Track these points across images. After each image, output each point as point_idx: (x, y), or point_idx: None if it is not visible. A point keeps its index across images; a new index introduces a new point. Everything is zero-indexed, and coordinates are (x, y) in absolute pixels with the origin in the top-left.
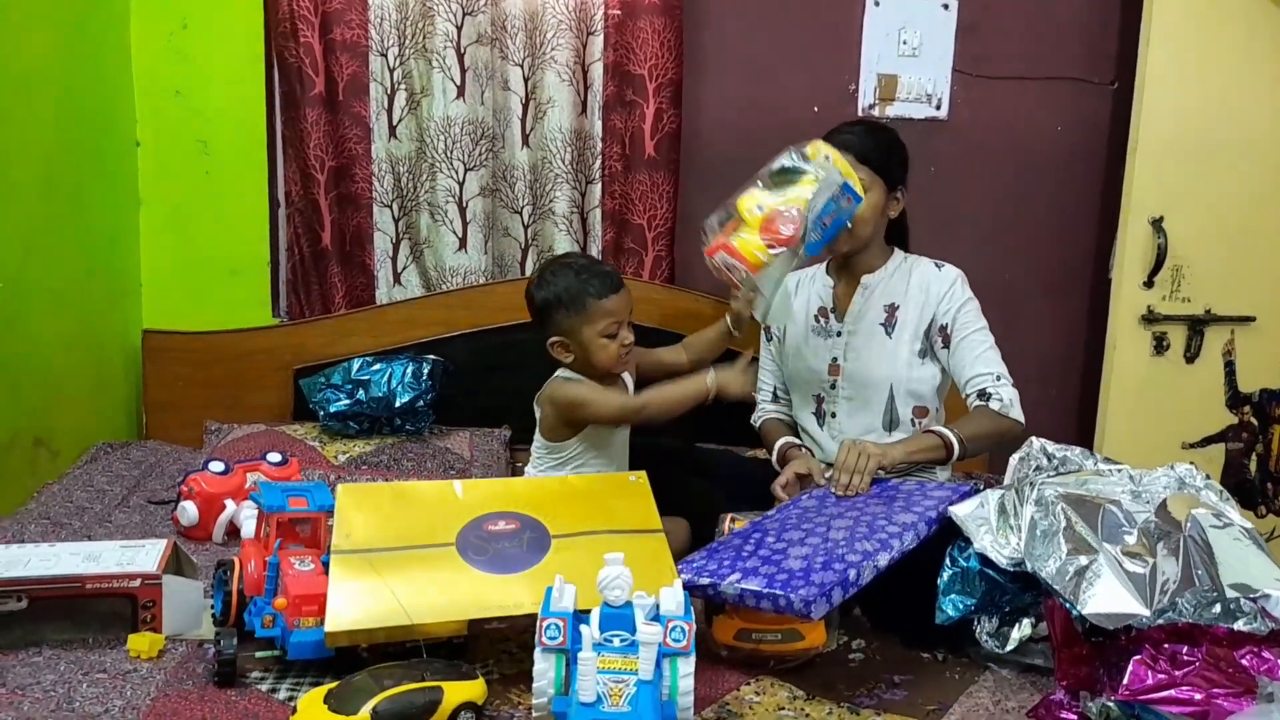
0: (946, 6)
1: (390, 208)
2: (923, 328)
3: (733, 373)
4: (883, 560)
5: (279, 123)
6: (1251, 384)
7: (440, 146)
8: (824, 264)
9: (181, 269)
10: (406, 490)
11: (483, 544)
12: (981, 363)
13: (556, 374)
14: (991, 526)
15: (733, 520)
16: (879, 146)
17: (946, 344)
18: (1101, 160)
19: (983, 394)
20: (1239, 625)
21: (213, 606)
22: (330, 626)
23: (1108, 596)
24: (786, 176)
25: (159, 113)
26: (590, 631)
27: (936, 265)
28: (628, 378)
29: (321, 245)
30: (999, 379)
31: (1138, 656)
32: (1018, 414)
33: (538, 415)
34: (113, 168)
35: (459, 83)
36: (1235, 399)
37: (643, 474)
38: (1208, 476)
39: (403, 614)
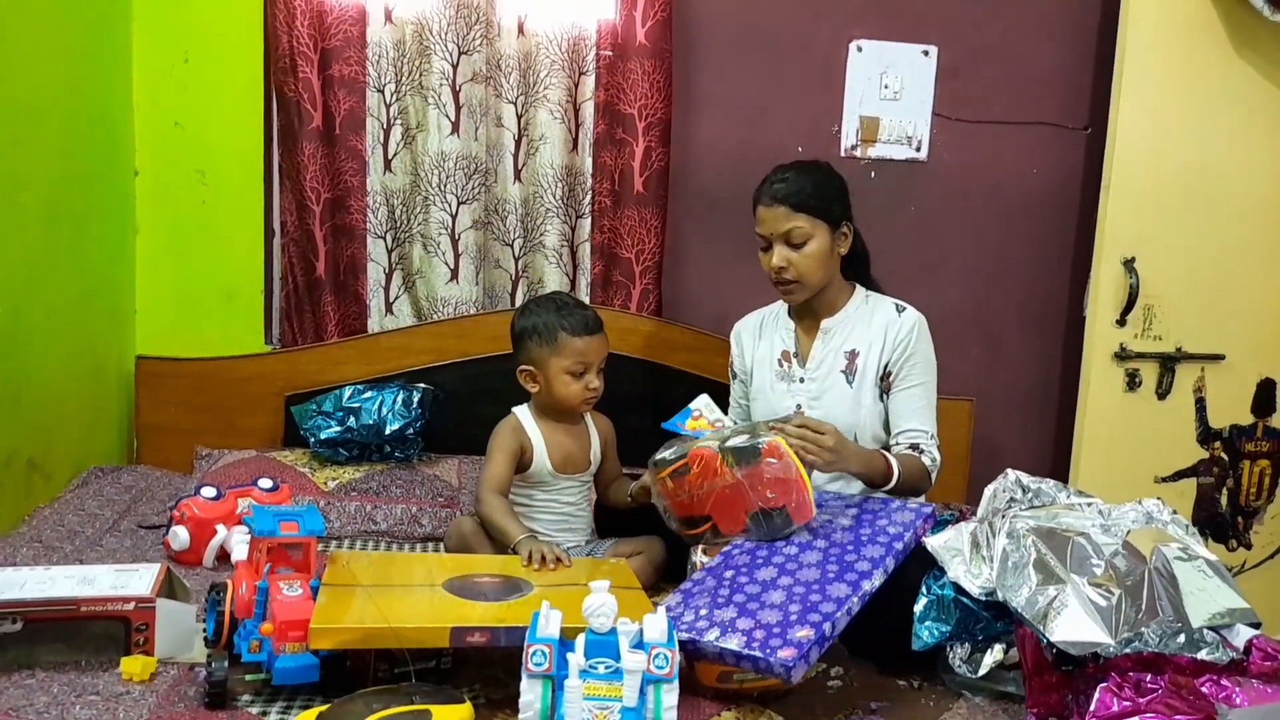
0: (927, 53)
1: (384, 239)
2: (879, 372)
3: (533, 546)
4: (855, 605)
5: (276, 154)
6: (1221, 420)
7: (434, 180)
8: (787, 306)
9: (176, 296)
10: (396, 555)
11: (467, 587)
12: (918, 417)
13: (515, 409)
14: (965, 557)
15: (703, 551)
16: (814, 191)
17: (888, 391)
18: (1076, 202)
19: (915, 447)
20: (1202, 655)
21: (205, 629)
22: (315, 623)
23: (1074, 625)
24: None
25: (158, 143)
26: (576, 658)
27: (898, 308)
28: (594, 430)
29: (315, 275)
30: (932, 438)
31: (1104, 684)
32: (934, 478)
33: None
34: (111, 196)
35: (454, 119)
36: (1206, 435)
37: (623, 561)
38: (1174, 511)
39: (384, 619)
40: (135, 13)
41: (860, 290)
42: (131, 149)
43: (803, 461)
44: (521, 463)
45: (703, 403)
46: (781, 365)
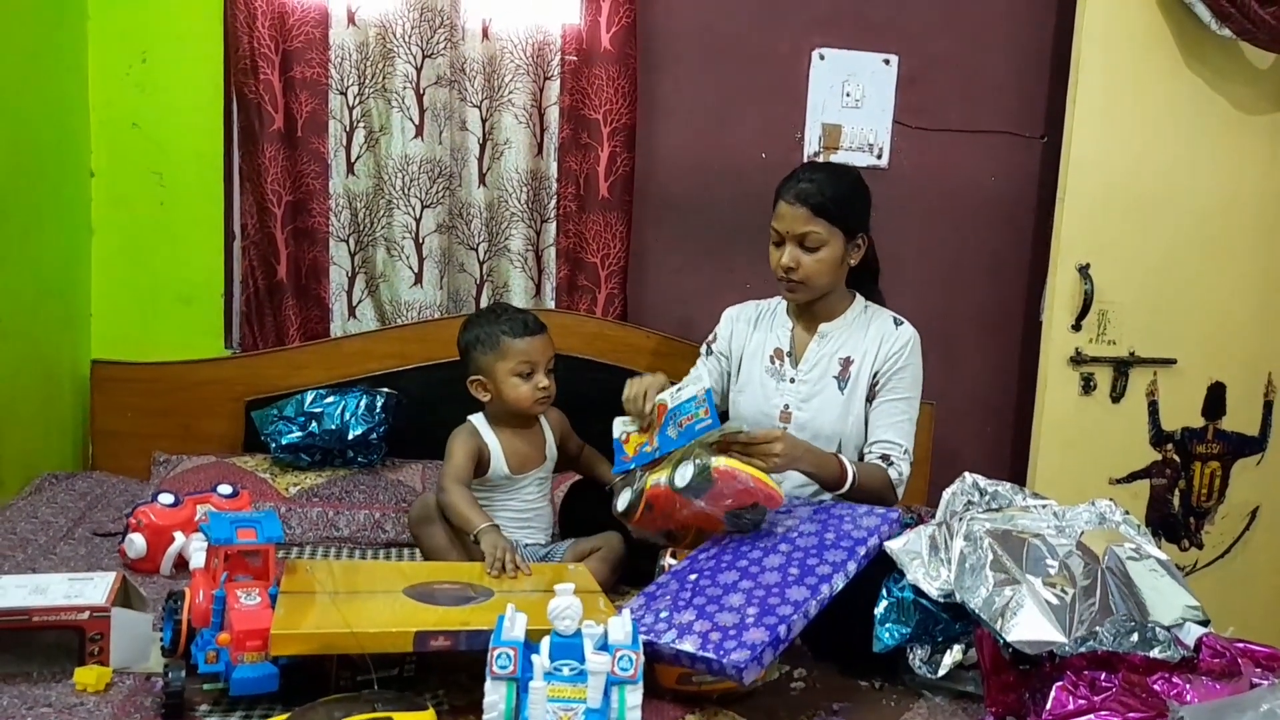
0: (887, 62)
1: (346, 242)
2: (870, 381)
3: (497, 544)
4: (813, 609)
5: (236, 156)
6: (1173, 423)
7: (398, 184)
8: (785, 304)
9: (133, 299)
10: (356, 563)
11: (429, 593)
12: (895, 431)
13: (471, 417)
14: (923, 559)
15: (672, 554)
16: (837, 197)
17: (873, 398)
18: (1032, 209)
19: (885, 458)
20: (1155, 653)
21: (162, 638)
22: (276, 630)
23: (1030, 625)
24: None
25: (115, 144)
26: (541, 660)
27: (895, 321)
28: (548, 429)
29: (277, 278)
30: (905, 453)
31: (1060, 683)
32: (900, 492)
33: None
34: (65, 197)
35: (417, 122)
36: (1159, 437)
37: (582, 566)
38: (1126, 512)
39: (346, 624)
40: (91, 11)
41: (860, 300)
42: (87, 150)
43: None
44: (478, 467)
45: (621, 425)
46: (773, 362)
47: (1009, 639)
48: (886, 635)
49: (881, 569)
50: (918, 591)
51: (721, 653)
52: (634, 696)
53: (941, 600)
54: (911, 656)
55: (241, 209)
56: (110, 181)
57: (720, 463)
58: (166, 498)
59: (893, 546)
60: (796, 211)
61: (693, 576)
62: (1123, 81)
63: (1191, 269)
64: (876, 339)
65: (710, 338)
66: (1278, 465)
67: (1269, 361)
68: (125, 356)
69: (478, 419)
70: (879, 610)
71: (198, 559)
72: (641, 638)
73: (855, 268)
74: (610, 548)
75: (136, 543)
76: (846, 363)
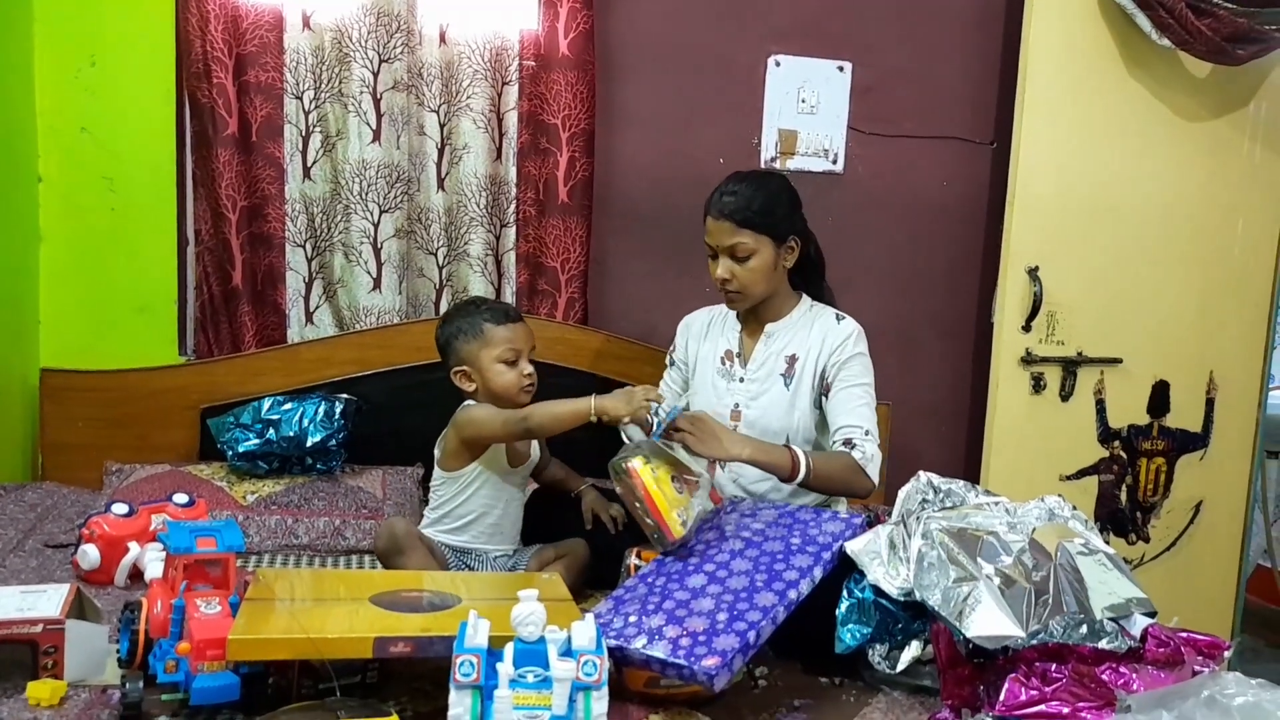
0: (841, 69)
1: (303, 248)
2: (816, 379)
3: (614, 397)
4: (781, 614)
5: (189, 161)
6: (1120, 420)
7: (355, 189)
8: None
9: (84, 307)
10: (322, 572)
11: (395, 602)
12: (854, 415)
13: (462, 404)
14: (883, 559)
15: (638, 555)
16: (760, 208)
17: (827, 394)
18: (983, 213)
19: (848, 442)
20: (1103, 644)
21: (118, 649)
22: (234, 635)
23: (987, 620)
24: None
25: (64, 149)
26: (505, 668)
27: (838, 317)
28: None
29: (232, 284)
30: (866, 434)
31: (1013, 675)
32: (873, 473)
33: (438, 454)
34: (13, 204)
35: (375, 127)
36: (1106, 434)
37: (557, 575)
38: (1074, 507)
39: (305, 631)
40: (37, 13)
41: (806, 300)
42: (35, 155)
43: (691, 448)
44: (471, 438)
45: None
46: (724, 364)
47: (968, 635)
48: (848, 636)
49: (842, 569)
50: (878, 592)
51: (693, 659)
52: (599, 703)
53: (902, 599)
54: (871, 653)
55: (195, 215)
56: (59, 187)
57: (637, 464)
58: (120, 508)
59: (853, 547)
60: (722, 225)
61: (660, 580)
62: (1069, 90)
63: (1136, 271)
64: (820, 336)
65: (671, 348)
66: (1220, 461)
67: (1210, 360)
68: (76, 365)
69: (468, 404)
70: (840, 611)
71: (154, 569)
72: (611, 643)
73: (800, 267)
74: (575, 555)
75: (90, 554)
76: (792, 360)
